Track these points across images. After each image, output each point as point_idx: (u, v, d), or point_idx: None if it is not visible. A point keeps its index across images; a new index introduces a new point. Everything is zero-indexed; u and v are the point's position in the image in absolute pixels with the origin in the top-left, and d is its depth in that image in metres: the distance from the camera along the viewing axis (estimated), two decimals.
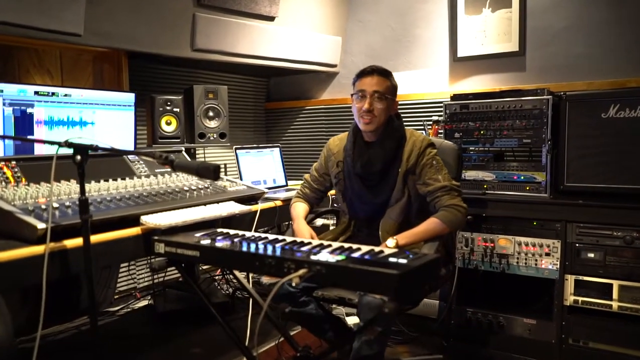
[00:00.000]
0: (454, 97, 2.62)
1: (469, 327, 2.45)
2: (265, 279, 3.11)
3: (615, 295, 2.13)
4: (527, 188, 2.39)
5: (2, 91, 2.09)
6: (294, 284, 1.22)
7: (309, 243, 1.41)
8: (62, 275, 1.38)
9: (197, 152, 2.98)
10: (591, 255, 2.18)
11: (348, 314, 2.52)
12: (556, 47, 2.75)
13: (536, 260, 2.30)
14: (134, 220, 1.60)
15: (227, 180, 2.17)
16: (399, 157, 1.92)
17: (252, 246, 1.39)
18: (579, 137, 2.30)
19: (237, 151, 2.68)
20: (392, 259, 1.22)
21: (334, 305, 2.43)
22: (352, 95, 1.96)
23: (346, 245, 1.39)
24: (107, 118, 2.48)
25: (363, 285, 1.21)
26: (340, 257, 1.24)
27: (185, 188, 1.93)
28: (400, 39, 3.28)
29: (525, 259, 2.32)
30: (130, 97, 2.59)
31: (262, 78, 3.89)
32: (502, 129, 2.44)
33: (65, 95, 2.31)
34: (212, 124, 2.79)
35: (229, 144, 2.91)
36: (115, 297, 2.88)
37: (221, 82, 3.48)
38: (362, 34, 3.43)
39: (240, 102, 3.71)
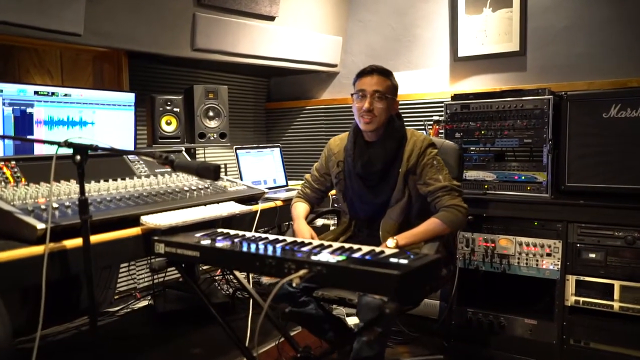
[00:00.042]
0: (455, 97, 2.61)
1: (469, 328, 2.44)
2: (265, 279, 3.11)
3: (616, 295, 2.13)
4: (528, 188, 2.38)
5: (1, 91, 2.08)
6: (294, 285, 1.21)
7: (310, 243, 1.41)
8: (62, 276, 1.37)
9: (197, 152, 2.97)
10: (592, 255, 2.18)
11: (349, 314, 2.51)
12: (557, 46, 2.74)
13: (537, 260, 2.29)
14: (133, 221, 1.60)
15: (227, 180, 2.16)
16: (399, 157, 1.92)
17: (253, 246, 1.38)
18: (580, 137, 2.30)
19: (238, 151, 2.67)
20: (393, 260, 1.21)
21: (334, 306, 2.43)
22: (352, 95, 1.95)
23: (347, 245, 1.39)
24: (107, 118, 2.48)
25: (364, 286, 1.21)
26: (340, 258, 1.23)
27: (186, 188, 1.93)
28: (401, 39, 3.27)
29: (526, 259, 2.32)
30: (130, 97, 2.58)
31: (262, 78, 3.88)
32: (503, 129, 2.44)
33: (65, 95, 2.31)
34: (213, 124, 2.79)
35: (229, 144, 2.91)
36: (115, 297, 2.88)
37: (221, 82, 3.48)
38: (362, 33, 3.42)
39: (240, 102, 3.71)
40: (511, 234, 2.35)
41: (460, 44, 3.02)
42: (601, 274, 2.16)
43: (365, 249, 1.33)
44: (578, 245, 2.21)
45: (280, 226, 2.98)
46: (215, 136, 2.80)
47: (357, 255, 1.27)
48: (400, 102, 2.04)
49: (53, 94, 2.26)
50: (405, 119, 2.08)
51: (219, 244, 1.43)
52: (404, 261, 1.19)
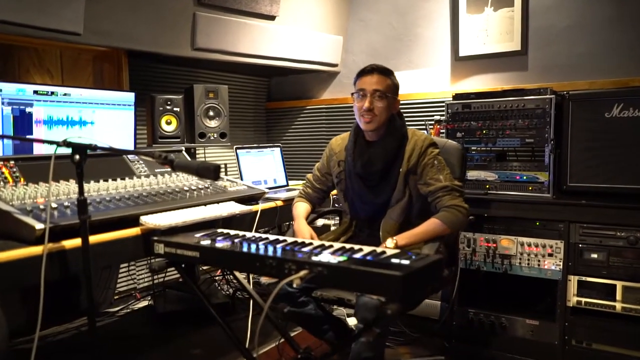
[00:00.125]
0: (456, 97, 2.60)
1: (471, 328, 2.43)
2: (263, 279, 3.10)
3: (618, 296, 2.11)
4: (530, 188, 2.37)
5: (0, 90, 2.07)
6: (294, 285, 1.20)
7: (310, 244, 1.40)
8: (61, 276, 1.37)
9: (197, 151, 2.97)
10: (594, 255, 2.17)
11: (349, 315, 2.50)
12: (558, 46, 2.73)
13: (539, 260, 2.28)
14: (133, 221, 1.59)
15: (228, 180, 2.15)
16: (400, 156, 1.91)
17: (253, 247, 1.37)
18: (582, 137, 2.29)
19: (238, 151, 2.66)
20: (394, 260, 1.20)
21: (334, 306, 2.42)
22: (352, 94, 1.94)
23: (347, 246, 1.38)
24: (106, 117, 2.47)
25: (365, 287, 1.20)
26: (341, 258, 1.22)
27: (185, 188, 1.92)
28: (402, 38, 3.26)
29: (528, 260, 2.30)
30: (130, 97, 2.57)
31: (262, 77, 3.88)
32: (504, 129, 2.43)
33: (65, 94, 2.30)
34: (213, 123, 2.78)
35: (229, 144, 2.90)
36: (115, 297, 2.87)
37: (222, 81, 3.47)
38: (363, 33, 3.41)
39: (240, 102, 3.70)
40: (513, 234, 2.34)
41: (461, 44, 3.01)
42: (603, 274, 2.15)
43: (367, 249, 1.32)
44: (580, 245, 2.20)
45: (280, 226, 2.97)
46: (215, 136, 2.79)
47: (358, 255, 1.26)
48: (401, 102, 2.02)
49: (52, 93, 2.25)
50: (406, 119, 2.07)
51: (219, 245, 1.43)
52: (405, 262, 1.18)
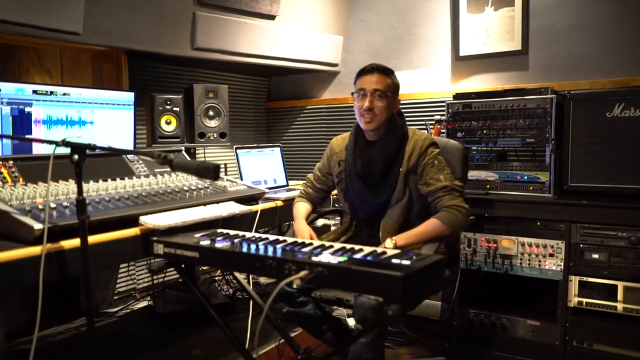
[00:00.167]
0: (457, 96, 2.59)
1: (471, 329, 2.43)
2: (262, 279, 3.09)
3: (620, 296, 2.11)
4: (531, 188, 2.36)
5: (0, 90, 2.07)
6: (294, 286, 1.20)
7: (310, 244, 1.39)
8: (60, 276, 1.36)
9: (197, 151, 2.96)
10: (596, 256, 2.16)
11: (350, 315, 2.50)
12: (559, 45, 2.73)
13: (540, 261, 2.27)
14: (132, 221, 1.58)
15: (227, 180, 2.15)
16: (400, 156, 1.90)
17: (253, 247, 1.37)
18: (583, 137, 2.28)
19: (238, 151, 2.66)
20: (395, 261, 1.20)
21: (334, 307, 2.41)
22: (352, 93, 1.93)
23: (348, 246, 1.37)
24: (106, 117, 2.46)
25: (365, 287, 1.19)
26: (342, 259, 1.22)
27: (185, 188, 1.91)
28: (402, 38, 3.25)
29: (529, 260, 2.30)
30: (129, 96, 2.57)
31: (262, 77, 3.87)
32: (505, 129, 2.42)
33: (64, 94, 2.29)
34: (213, 123, 2.77)
35: (229, 144, 2.89)
36: (115, 297, 2.87)
37: (221, 81, 3.46)
38: (363, 32, 3.41)
39: (240, 102, 3.69)
40: (513, 234, 2.33)
41: (461, 43, 3.00)
42: (604, 274, 2.14)
43: (367, 249, 1.32)
44: (581, 245, 2.19)
45: (280, 226, 2.96)
46: (215, 136, 2.78)
47: (358, 256, 1.25)
48: (401, 102, 2.02)
49: (52, 93, 2.24)
50: (406, 119, 2.06)
51: (218, 245, 1.42)
52: (406, 262, 1.17)
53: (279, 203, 2.19)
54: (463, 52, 3.01)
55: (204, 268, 3.05)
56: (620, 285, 2.11)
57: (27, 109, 2.16)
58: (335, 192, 2.16)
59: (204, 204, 1.83)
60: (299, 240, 1.45)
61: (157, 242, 1.52)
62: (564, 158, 2.32)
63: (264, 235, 1.53)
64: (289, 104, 3.82)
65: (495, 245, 2.37)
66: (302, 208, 2.07)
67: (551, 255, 2.25)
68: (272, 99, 3.94)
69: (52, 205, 1.47)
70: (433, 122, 2.83)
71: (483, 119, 2.47)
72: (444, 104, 2.64)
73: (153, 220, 1.57)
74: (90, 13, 2.16)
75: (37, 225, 1.32)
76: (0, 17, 1.89)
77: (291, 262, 1.23)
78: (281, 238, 1.49)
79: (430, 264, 1.19)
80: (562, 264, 2.22)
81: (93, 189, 1.70)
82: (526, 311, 2.36)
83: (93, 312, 1.98)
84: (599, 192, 2.24)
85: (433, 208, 1.85)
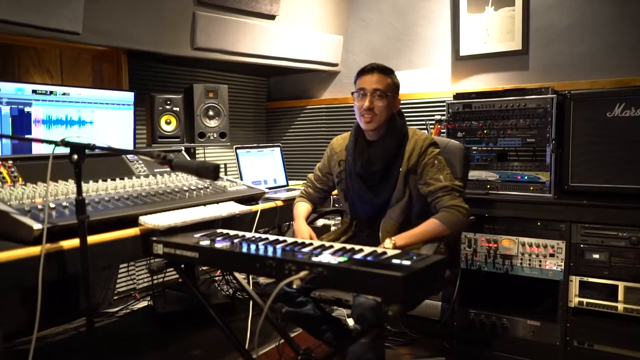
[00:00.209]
0: (457, 96, 2.59)
1: (471, 329, 2.42)
2: (262, 279, 3.08)
3: (620, 296, 2.10)
4: (531, 188, 2.36)
5: None
6: (294, 286, 1.19)
7: (310, 244, 1.39)
8: (59, 277, 1.36)
9: (197, 151, 2.95)
10: (596, 256, 2.15)
11: (349, 316, 2.49)
12: (559, 45, 2.72)
13: (540, 261, 2.27)
14: (132, 221, 1.58)
15: (227, 180, 2.14)
16: (400, 156, 1.90)
17: (253, 247, 1.36)
18: (584, 137, 2.28)
19: (238, 151, 2.65)
20: (395, 261, 1.19)
21: (335, 307, 2.41)
22: (352, 93, 1.93)
23: (348, 246, 1.37)
24: (106, 117, 2.46)
25: (366, 288, 1.18)
26: (342, 259, 1.21)
27: (185, 188, 1.91)
28: (402, 38, 3.25)
29: (529, 260, 2.29)
30: (129, 96, 2.56)
31: (262, 77, 3.87)
32: (505, 128, 2.41)
33: (64, 94, 2.29)
34: (212, 123, 2.77)
35: (229, 144, 2.89)
36: (115, 298, 2.86)
37: (221, 81, 3.46)
38: (363, 32, 3.40)
39: (240, 102, 3.69)
40: (514, 234, 2.33)
41: (462, 43, 3.00)
42: (605, 274, 2.14)
43: (367, 249, 1.31)
44: (582, 245, 2.19)
45: (280, 226, 2.95)
46: (215, 136, 2.78)
47: (358, 256, 1.25)
48: (401, 102, 2.02)
49: (51, 92, 2.24)
50: (407, 119, 2.05)
51: (218, 245, 1.41)
52: (406, 262, 1.17)
53: (279, 203, 2.19)
54: (463, 52, 3.00)
55: (204, 268, 3.05)
56: (621, 285, 2.10)
57: (26, 109, 2.15)
58: (335, 192, 2.15)
59: (204, 204, 1.82)
60: (299, 241, 1.45)
61: (156, 242, 1.52)
62: (565, 158, 2.31)
63: (263, 236, 1.52)
64: (289, 104, 3.82)
65: (495, 245, 2.37)
66: (302, 208, 2.06)
67: (552, 255, 2.25)
68: (272, 99, 3.93)
69: (52, 205, 1.46)
70: (433, 122, 2.82)
71: (483, 119, 2.47)
72: (444, 103, 2.64)
73: (153, 221, 1.57)
74: (89, 13, 2.16)
75: (37, 226, 1.32)
76: (0, 16, 1.89)
77: (291, 262, 1.22)
78: (281, 238, 1.49)
79: (430, 264, 1.19)
80: (563, 264, 2.22)
81: (93, 189, 1.70)
82: (526, 311, 2.35)
83: (93, 313, 1.97)
84: (599, 192, 2.24)
85: (433, 208, 1.85)
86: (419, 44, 3.19)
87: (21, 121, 2.13)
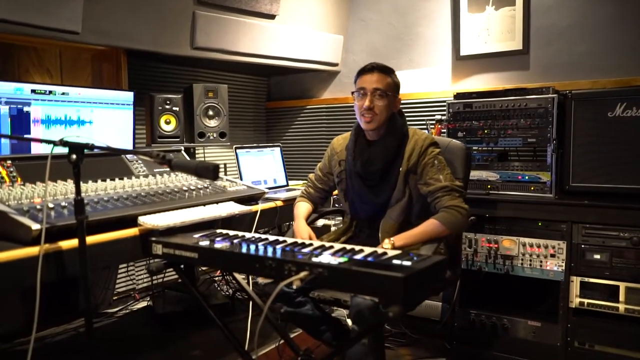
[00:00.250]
0: (457, 96, 2.58)
1: (472, 330, 2.42)
2: (261, 280, 3.07)
3: (621, 297, 2.10)
4: (532, 188, 2.35)
5: None
6: (294, 287, 1.19)
7: (310, 244, 1.38)
8: (58, 277, 1.35)
9: (196, 151, 2.95)
10: (597, 256, 2.15)
11: (349, 316, 2.49)
12: (560, 45, 2.72)
13: (541, 261, 2.26)
14: (131, 221, 1.57)
15: (227, 180, 2.14)
16: (400, 155, 1.89)
17: (252, 248, 1.35)
18: (585, 137, 2.27)
19: (237, 151, 2.65)
20: (395, 261, 1.19)
21: (334, 307, 2.40)
22: (353, 93, 1.92)
23: (348, 246, 1.36)
24: (105, 117, 2.45)
25: (366, 288, 1.18)
26: (342, 259, 1.21)
27: (184, 188, 1.90)
28: (402, 38, 3.24)
29: (530, 261, 2.29)
30: (129, 96, 2.56)
31: (262, 77, 3.86)
32: (506, 128, 2.41)
33: (63, 93, 2.28)
34: (212, 123, 2.76)
35: (229, 144, 2.88)
36: (114, 298, 2.86)
37: (221, 80, 3.45)
38: (363, 32, 3.40)
39: (240, 101, 3.68)
40: (514, 234, 2.32)
41: (462, 43, 2.99)
42: (606, 275, 2.13)
43: (367, 250, 1.31)
44: (582, 246, 2.18)
45: (280, 227, 2.95)
46: (215, 135, 2.77)
47: (358, 257, 1.24)
48: (402, 102, 2.01)
49: (50, 92, 2.23)
50: (407, 119, 2.05)
51: (217, 245, 1.41)
52: (407, 263, 1.16)
53: (279, 203, 2.18)
54: (464, 51, 3.00)
55: (204, 268, 3.04)
56: (622, 286, 2.10)
57: (25, 109, 2.15)
58: (336, 192, 2.15)
59: (204, 204, 1.82)
60: (299, 241, 1.44)
61: (156, 242, 1.51)
62: (566, 158, 2.30)
63: (263, 236, 1.52)
64: (289, 103, 3.81)
65: (496, 245, 2.36)
66: (302, 208, 2.06)
67: (552, 255, 2.24)
68: (272, 99, 3.93)
69: (50, 205, 1.46)
70: (434, 121, 2.82)
71: (484, 119, 2.46)
72: (444, 103, 2.63)
73: (152, 221, 1.56)
74: (89, 12, 2.15)
75: (35, 226, 1.31)
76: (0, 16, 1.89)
77: (291, 262, 1.21)
78: (281, 238, 1.48)
79: (431, 265, 1.18)
80: (564, 264, 2.21)
81: (92, 189, 1.69)
82: (527, 312, 2.35)
83: (92, 313, 1.97)
84: (600, 192, 2.23)
85: (432, 208, 1.84)
86: (419, 44, 3.19)
87: (20, 121, 2.12)
